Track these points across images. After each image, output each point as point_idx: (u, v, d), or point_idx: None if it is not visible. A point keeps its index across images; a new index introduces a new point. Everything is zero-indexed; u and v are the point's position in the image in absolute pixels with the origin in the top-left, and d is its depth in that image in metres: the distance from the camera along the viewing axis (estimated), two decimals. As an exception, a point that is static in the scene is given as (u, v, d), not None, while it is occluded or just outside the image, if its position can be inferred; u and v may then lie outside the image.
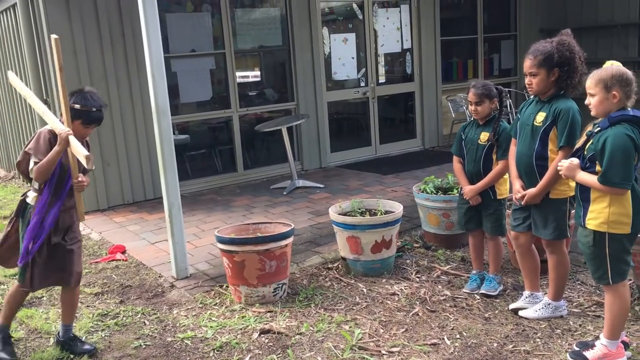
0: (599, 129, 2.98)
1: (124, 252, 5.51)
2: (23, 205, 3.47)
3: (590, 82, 3.03)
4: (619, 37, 10.24)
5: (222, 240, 4.17)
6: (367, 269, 4.62)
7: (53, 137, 3.33)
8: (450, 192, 5.16)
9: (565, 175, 3.16)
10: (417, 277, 4.55)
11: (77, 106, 3.36)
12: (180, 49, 7.62)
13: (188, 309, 4.22)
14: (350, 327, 3.78)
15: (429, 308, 4.01)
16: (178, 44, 7.60)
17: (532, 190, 3.54)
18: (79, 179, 3.33)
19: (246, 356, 3.46)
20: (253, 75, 8.72)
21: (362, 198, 6.81)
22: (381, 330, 3.72)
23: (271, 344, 3.61)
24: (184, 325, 3.94)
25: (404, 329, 3.73)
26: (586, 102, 3.07)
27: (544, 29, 10.15)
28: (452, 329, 3.69)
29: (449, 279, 4.48)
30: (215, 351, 3.56)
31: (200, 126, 8.14)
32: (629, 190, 2.95)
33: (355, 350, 3.47)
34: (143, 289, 4.68)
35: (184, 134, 7.95)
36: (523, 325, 3.69)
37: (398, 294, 4.26)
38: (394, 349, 3.47)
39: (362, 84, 9.16)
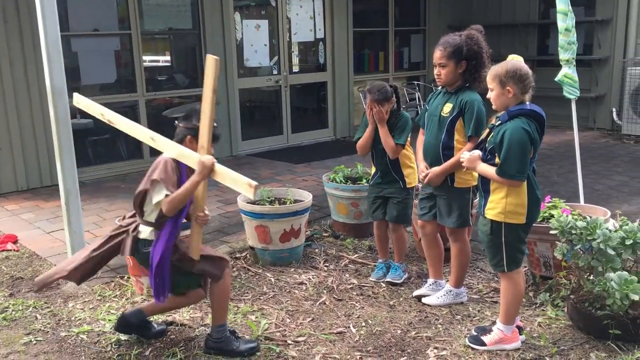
0: (499, 122, 3.07)
1: (15, 242, 5.15)
2: (134, 242, 3.17)
3: (489, 77, 3.13)
4: (520, 36, 10.74)
5: (123, 229, 3.97)
6: (276, 259, 4.56)
7: (176, 164, 3.07)
8: (359, 182, 5.20)
9: (466, 167, 3.24)
10: (325, 266, 4.55)
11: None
12: (81, 28, 7.21)
13: (85, 301, 3.99)
14: (256, 317, 3.71)
15: (336, 297, 4.02)
16: (79, 22, 7.18)
17: (435, 169, 3.63)
18: (205, 212, 3.08)
19: (147, 350, 3.32)
20: (161, 59, 8.41)
21: (272, 187, 6.79)
22: (288, 320, 3.68)
23: (174, 336, 3.48)
24: (80, 319, 3.73)
25: (310, 318, 3.71)
26: (487, 95, 3.17)
27: (452, 26, 10.46)
28: (358, 317, 3.72)
29: (357, 268, 4.51)
30: (113, 345, 3.39)
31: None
32: (525, 182, 3.06)
33: (261, 341, 3.41)
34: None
35: (85, 118, 7.54)
36: (426, 312, 3.77)
37: (306, 283, 4.23)
38: (300, 339, 3.44)
39: (275, 72, 9.07)
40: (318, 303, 3.92)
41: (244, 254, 4.76)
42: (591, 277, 3.37)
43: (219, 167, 2.92)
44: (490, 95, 3.13)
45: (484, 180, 3.16)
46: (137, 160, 7.75)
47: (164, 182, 2.99)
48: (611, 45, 9.63)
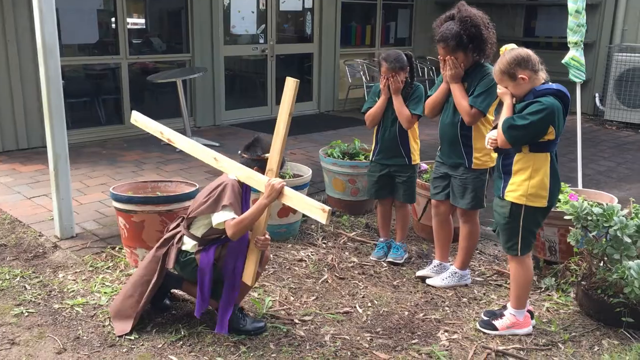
0: (526, 102, 2.97)
1: (-5, 207, 4.89)
2: (178, 253, 3.05)
3: (496, 78, 3.05)
4: (508, 17, 10.68)
5: (118, 199, 3.78)
6: (273, 233, 4.38)
7: (240, 187, 3.02)
8: (356, 158, 5.08)
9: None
10: (324, 243, 4.44)
11: (267, 155, 2.99)
12: (63, -17, 6.82)
13: (76, 272, 3.80)
14: (259, 294, 3.59)
15: (337, 275, 3.92)
16: (62, -22, 6.80)
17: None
18: (266, 236, 2.98)
19: (148, 325, 3.17)
20: (146, 22, 8.07)
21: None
22: (292, 298, 3.57)
23: (175, 312, 3.33)
24: (73, 291, 3.55)
25: (314, 297, 3.61)
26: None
27: (439, 2, 10.32)
28: (362, 297, 3.63)
29: (356, 246, 4.41)
30: (112, 320, 3.22)
31: (82, 71, 7.41)
32: (549, 165, 2.99)
33: (267, 319, 3.29)
34: (21, 248, 4.16)
35: (63, 79, 7.18)
36: (431, 294, 3.71)
37: (305, 260, 4.12)
38: (306, 318, 3.34)
39: (261, 40, 8.82)
40: (320, 281, 3.82)
41: (238, 228, 4.61)
42: (602, 265, 3.35)
43: (289, 191, 2.84)
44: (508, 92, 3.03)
45: (505, 162, 3.08)
46: (118, 125, 7.46)
47: (232, 207, 2.91)
48: (598, 30, 9.64)
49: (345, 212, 5.05)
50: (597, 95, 9.68)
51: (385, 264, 4.12)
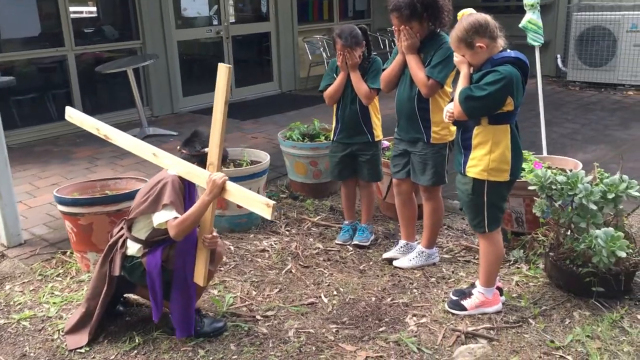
0: (481, 72, 2.82)
1: (-62, 218, 4.60)
2: (123, 257, 2.85)
3: (453, 45, 2.89)
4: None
5: (62, 202, 3.56)
6: (233, 225, 4.26)
7: (182, 184, 2.80)
8: (317, 139, 4.91)
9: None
10: (287, 231, 4.28)
11: (206, 149, 2.78)
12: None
13: (24, 282, 3.59)
14: (219, 291, 3.42)
15: (302, 264, 3.77)
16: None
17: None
18: (214, 234, 2.78)
19: (100, 335, 2.98)
20: (90, 9, 7.72)
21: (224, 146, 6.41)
22: (254, 292, 3.42)
23: (129, 318, 3.15)
24: (20, 304, 3.33)
25: (277, 289, 3.45)
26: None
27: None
28: (328, 285, 3.49)
29: (320, 231, 4.26)
30: (61, 332, 3.03)
31: (28, 67, 7.06)
32: (509, 137, 2.86)
33: (227, 317, 3.14)
34: (-35, 261, 3.92)
35: (7, 75, 6.85)
36: (398, 276, 3.58)
37: (268, 250, 3.96)
38: (269, 313, 3.19)
39: (215, 22, 8.52)
40: (284, 272, 3.67)
41: (197, 221, 4.42)
42: (569, 234, 3.25)
43: (231, 186, 2.64)
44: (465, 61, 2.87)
45: (464, 136, 2.93)
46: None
47: (173, 206, 2.71)
48: (556, -10, 9.55)
49: (308, 195, 4.89)
50: (558, 56, 9.62)
51: (351, 248, 3.98)
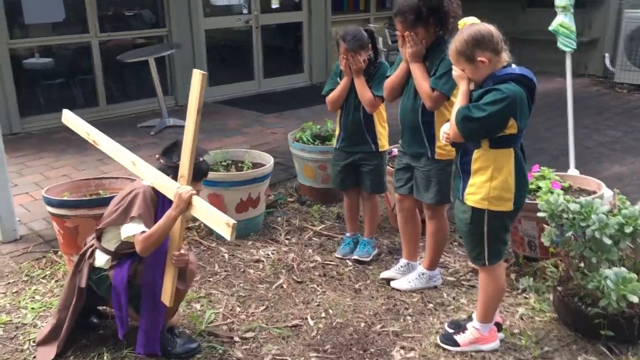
0: (482, 89, 2.54)
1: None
2: (90, 268, 2.71)
3: (452, 58, 2.59)
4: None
5: (50, 202, 3.46)
6: (231, 230, 4.08)
7: (154, 196, 2.64)
8: (328, 142, 4.68)
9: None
10: (287, 239, 4.08)
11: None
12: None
13: (9, 283, 3.51)
14: (202, 305, 3.26)
15: (295, 278, 3.57)
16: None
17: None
18: (182, 251, 2.59)
19: (69, 349, 2.85)
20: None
21: (240, 140, 6.27)
22: (238, 309, 3.24)
23: (102, 331, 3.02)
24: (-1, 307, 3.26)
25: (264, 307, 3.27)
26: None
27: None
28: (317, 305, 3.28)
29: (321, 242, 4.05)
30: (32, 343, 2.92)
31: (52, 53, 7.03)
32: (513, 163, 2.57)
33: (205, 337, 2.97)
34: (-40, 254, 3.88)
35: (46, 57, 6.84)
36: (394, 299, 3.35)
37: (263, 261, 3.78)
38: (248, 334, 3.01)
39: (245, 10, 8.34)
40: (274, 286, 3.48)
41: (197, 223, 4.26)
42: (582, 265, 2.95)
43: (198, 201, 2.46)
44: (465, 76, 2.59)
45: (463, 160, 2.66)
46: (93, 108, 7.12)
47: (142, 219, 2.55)
48: (608, -15, 8.97)
49: (316, 200, 4.68)
50: (606, 55, 9.06)
51: (350, 263, 3.76)
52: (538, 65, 9.15)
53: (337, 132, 3.76)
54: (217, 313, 3.19)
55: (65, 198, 3.48)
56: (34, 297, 3.34)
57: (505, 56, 2.52)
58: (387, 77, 3.32)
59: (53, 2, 6.72)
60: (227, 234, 2.26)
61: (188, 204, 2.45)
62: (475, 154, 2.59)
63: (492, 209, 2.61)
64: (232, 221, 2.25)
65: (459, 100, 2.58)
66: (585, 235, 2.83)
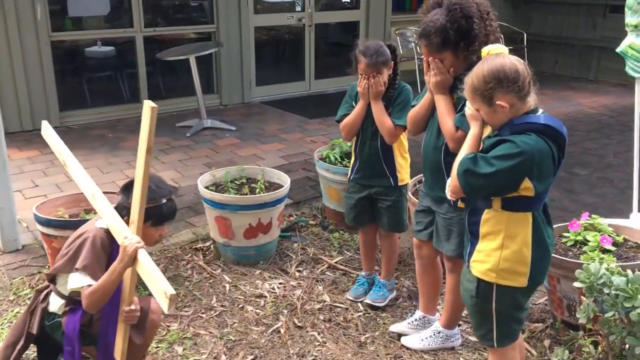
0: (497, 138, 2.07)
1: (-40, 206, 4.51)
2: (43, 313, 2.47)
3: (467, 94, 2.13)
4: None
5: (38, 220, 3.25)
6: (240, 257, 3.76)
7: (109, 240, 2.31)
8: (356, 163, 4.26)
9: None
10: (298, 271, 3.71)
11: None
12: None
13: (-5, 301, 3.32)
14: (184, 349, 2.94)
15: (296, 321, 3.20)
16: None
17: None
18: (132, 307, 2.27)
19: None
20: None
21: (275, 147, 5.94)
22: (223, 357, 2.90)
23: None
24: (-24, 331, 3.06)
25: (252, 356, 2.91)
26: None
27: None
28: (312, 360, 2.90)
29: (335, 278, 3.65)
30: (-7, 380, 2.70)
31: (96, 47, 6.93)
32: (530, 230, 2.09)
33: (177, 390, 2.66)
34: (-40, 262, 3.74)
35: (108, 46, 6.75)
36: (402, 359, 2.92)
37: (266, 297, 3.43)
38: (226, 392, 2.67)
39: (298, 8, 7.98)
40: (270, 330, 3.12)
41: (207, 244, 3.97)
42: (625, 351, 2.42)
43: (143, 257, 2.10)
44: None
45: (472, 219, 2.20)
46: (134, 104, 6.93)
47: (87, 271, 2.25)
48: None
49: (340, 225, 4.28)
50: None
51: (362, 307, 3.35)
52: (617, 76, 8.37)
53: (352, 161, 3.35)
54: (199, 360, 2.86)
55: (51, 217, 3.25)
56: (11, 323, 3.12)
57: (531, 100, 2.04)
58: (413, 106, 2.88)
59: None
60: (164, 305, 1.91)
61: (133, 259, 2.12)
62: (485, 214, 2.13)
63: (501, 283, 2.14)
64: (170, 291, 1.89)
65: (466, 145, 2.13)
66: (629, 318, 2.31)
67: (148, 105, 2.03)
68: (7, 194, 3.75)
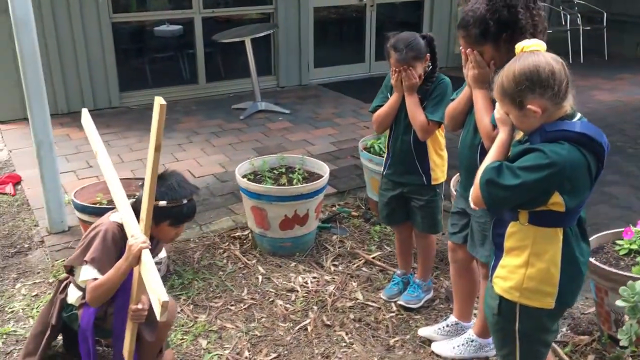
0: (527, 144, 1.87)
1: (17, 184, 4.69)
2: (62, 304, 2.53)
3: (495, 95, 1.92)
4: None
5: (75, 205, 3.30)
6: (276, 248, 3.70)
7: (121, 235, 2.30)
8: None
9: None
10: (334, 265, 3.62)
11: (162, 203, 2.32)
12: None
13: (34, 283, 3.41)
14: (209, 343, 2.92)
15: (325, 319, 3.11)
16: None
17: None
18: (139, 305, 2.22)
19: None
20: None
21: (327, 132, 5.84)
22: (246, 353, 2.86)
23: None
24: (12, 312, 3.15)
25: (275, 354, 2.86)
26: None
27: None
28: (336, 362, 2.81)
29: (370, 274, 3.53)
30: (22, 363, 2.77)
31: (154, 28, 6.99)
32: (560, 248, 1.89)
33: (196, 385, 2.64)
34: (9, 240, 3.88)
35: (176, 24, 6.84)
36: (431, 367, 2.78)
37: (298, 291, 3.35)
38: (243, 391, 2.63)
39: (360, -12, 7.77)
40: (297, 328, 3.05)
41: (245, 233, 3.93)
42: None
43: (146, 258, 2.05)
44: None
45: (497, 230, 2.02)
46: (192, 85, 7.04)
47: (95, 264, 2.24)
48: None
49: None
50: None
51: (395, 307, 3.22)
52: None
53: (385, 156, 3.19)
54: (221, 356, 2.83)
55: (86, 204, 3.29)
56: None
57: (567, 105, 1.82)
58: (452, 99, 2.69)
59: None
60: (157, 311, 1.86)
61: (137, 258, 2.07)
62: (511, 227, 1.94)
63: (525, 303, 1.96)
64: (164, 298, 1.83)
65: (492, 152, 1.95)
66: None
67: (158, 101, 1.96)
68: (54, 177, 3.83)
